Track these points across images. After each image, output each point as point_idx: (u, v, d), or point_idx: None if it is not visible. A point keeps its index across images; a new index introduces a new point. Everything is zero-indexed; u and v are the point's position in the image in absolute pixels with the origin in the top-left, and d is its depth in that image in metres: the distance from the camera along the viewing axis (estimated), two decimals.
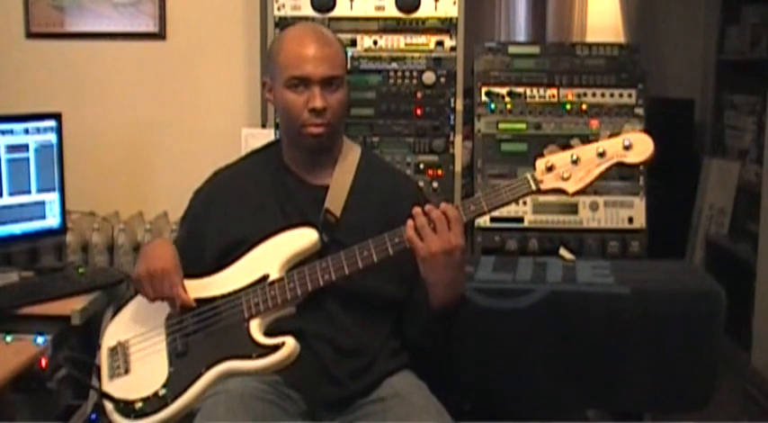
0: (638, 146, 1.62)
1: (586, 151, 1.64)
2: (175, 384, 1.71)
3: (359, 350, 1.76)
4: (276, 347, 1.67)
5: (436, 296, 1.68)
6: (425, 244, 1.62)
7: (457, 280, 1.67)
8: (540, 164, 1.64)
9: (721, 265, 3.77)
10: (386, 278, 1.77)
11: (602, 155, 1.63)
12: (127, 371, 1.80)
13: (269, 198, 1.86)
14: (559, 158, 1.64)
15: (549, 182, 1.64)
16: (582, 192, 1.65)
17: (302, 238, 1.76)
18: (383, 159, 2.14)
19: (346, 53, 1.88)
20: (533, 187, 1.64)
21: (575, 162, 1.63)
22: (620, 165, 1.64)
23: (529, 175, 1.65)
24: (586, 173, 1.63)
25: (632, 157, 1.63)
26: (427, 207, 1.64)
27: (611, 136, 1.66)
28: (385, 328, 1.81)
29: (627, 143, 1.62)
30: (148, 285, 1.76)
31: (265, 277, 1.74)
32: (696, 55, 4.56)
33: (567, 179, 1.63)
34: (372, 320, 1.79)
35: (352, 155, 1.90)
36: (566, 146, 1.69)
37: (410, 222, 1.64)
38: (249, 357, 1.67)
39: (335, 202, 1.82)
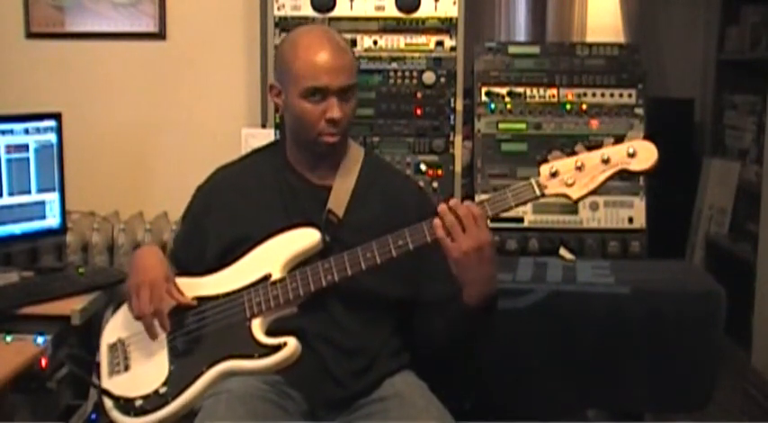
0: (643, 153, 1.63)
1: (591, 158, 1.64)
2: (176, 383, 1.71)
3: (360, 350, 1.76)
4: (278, 347, 1.66)
5: (471, 294, 1.66)
6: (457, 243, 1.61)
7: (490, 275, 1.66)
8: (545, 169, 1.65)
9: (721, 265, 3.78)
10: (388, 278, 1.77)
11: (606, 161, 1.63)
12: (127, 368, 1.80)
13: (272, 197, 1.86)
14: (564, 164, 1.64)
15: (553, 187, 1.64)
16: (585, 198, 1.66)
17: (304, 238, 1.76)
18: (387, 161, 2.14)
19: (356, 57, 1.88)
20: (537, 193, 1.64)
21: (579, 168, 1.64)
22: (624, 172, 1.64)
23: (533, 181, 1.65)
24: (590, 179, 1.64)
25: (636, 165, 1.63)
26: (452, 202, 1.63)
27: (615, 143, 1.66)
28: (386, 328, 1.81)
29: (631, 151, 1.62)
30: (135, 300, 1.75)
31: (267, 277, 1.74)
32: (696, 55, 4.56)
33: (571, 185, 1.64)
34: (374, 321, 1.79)
35: (355, 156, 1.90)
36: (570, 152, 1.67)
37: (438, 222, 1.62)
38: (251, 357, 1.67)
39: (338, 202, 1.82)
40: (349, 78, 1.77)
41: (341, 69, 1.76)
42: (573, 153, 1.66)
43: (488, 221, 1.64)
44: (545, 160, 1.67)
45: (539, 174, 1.65)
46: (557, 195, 1.65)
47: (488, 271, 1.64)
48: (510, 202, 1.64)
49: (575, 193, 1.64)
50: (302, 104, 1.77)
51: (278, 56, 1.86)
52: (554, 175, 1.64)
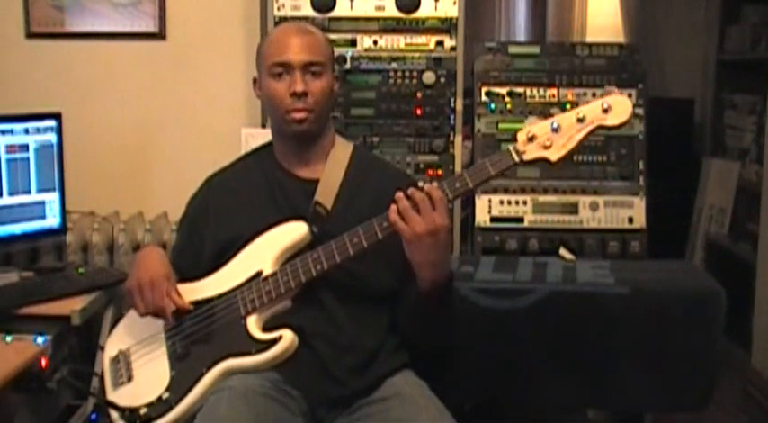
0: (617, 108, 1.62)
1: (566, 118, 1.64)
2: (178, 387, 1.72)
3: (357, 346, 1.76)
4: (274, 341, 1.68)
5: (422, 278, 1.66)
6: (410, 226, 1.61)
7: (442, 260, 1.66)
8: (522, 135, 1.64)
9: (721, 265, 3.77)
10: (382, 270, 1.78)
11: (581, 120, 1.63)
12: (130, 378, 1.81)
13: (261, 195, 1.87)
14: (540, 128, 1.64)
15: (531, 152, 1.64)
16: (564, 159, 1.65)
17: (292, 231, 1.77)
18: (376, 155, 2.16)
19: (332, 47, 1.91)
20: (516, 159, 1.64)
21: (555, 130, 1.63)
22: (600, 128, 1.64)
23: (511, 147, 1.65)
24: (568, 139, 1.63)
25: (611, 120, 1.63)
26: (410, 190, 1.64)
27: (589, 101, 1.66)
28: (383, 323, 1.81)
29: (605, 106, 1.62)
30: (138, 297, 1.76)
31: (259, 273, 1.75)
32: (696, 55, 4.55)
33: (548, 148, 1.63)
34: (370, 316, 1.80)
35: (343, 149, 1.91)
36: (546, 115, 1.67)
37: (393, 206, 1.64)
38: (249, 353, 1.68)
39: (326, 194, 1.83)
40: (312, 55, 1.81)
41: (304, 46, 1.81)
42: (550, 117, 1.66)
43: (450, 204, 1.66)
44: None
45: (515, 140, 1.64)
46: (536, 160, 1.64)
47: (440, 256, 1.65)
48: (489, 171, 1.64)
49: (553, 155, 1.63)
50: (270, 83, 1.82)
51: (257, 50, 1.92)
52: (531, 139, 1.63)
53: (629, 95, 3.01)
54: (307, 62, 1.80)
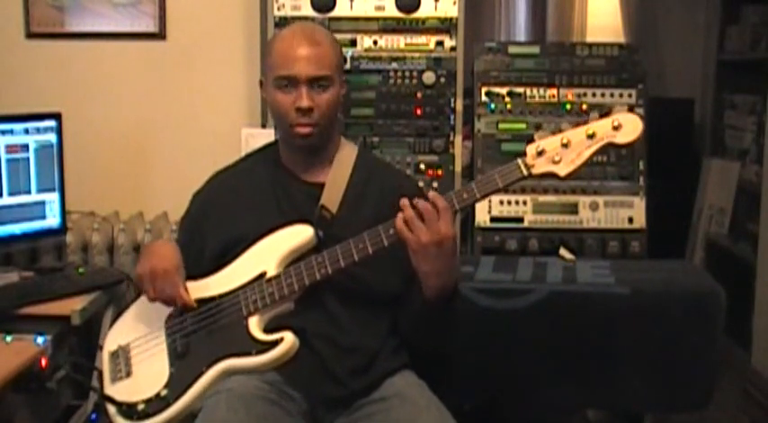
0: (627, 126, 1.63)
1: (576, 134, 1.64)
2: (177, 384, 1.72)
3: (358, 348, 1.76)
4: (275, 343, 1.67)
5: (429, 286, 1.66)
6: (415, 235, 1.61)
7: (449, 269, 1.66)
8: (531, 149, 1.65)
9: (721, 265, 3.77)
10: (386, 274, 1.78)
11: (591, 136, 1.63)
12: (128, 374, 1.80)
13: (266, 196, 1.86)
14: (550, 143, 1.64)
15: (540, 166, 1.64)
16: (573, 174, 1.66)
17: (298, 234, 1.77)
18: (382, 159, 2.14)
19: (341, 53, 1.87)
20: (525, 172, 1.64)
21: (565, 145, 1.64)
22: (610, 146, 1.64)
23: (520, 161, 1.65)
24: (577, 155, 1.64)
25: (621, 138, 1.63)
26: (415, 200, 1.63)
27: (600, 117, 1.66)
28: (384, 325, 1.81)
29: (616, 124, 1.63)
30: (150, 285, 1.77)
31: (263, 274, 1.75)
32: (696, 55, 4.55)
33: (557, 162, 1.64)
34: (372, 318, 1.79)
35: (348, 153, 1.90)
36: (557, 131, 1.67)
37: (399, 214, 1.64)
38: (249, 354, 1.68)
39: (331, 198, 1.83)
40: (319, 69, 1.77)
41: (311, 59, 1.76)
42: (559, 131, 1.67)
43: (456, 214, 1.66)
44: (532, 140, 1.68)
45: (525, 154, 1.65)
46: (544, 174, 1.65)
47: (447, 264, 1.65)
48: (498, 183, 1.64)
49: (562, 170, 1.64)
50: (275, 94, 1.80)
51: (263, 52, 1.88)
52: (540, 153, 1.64)
53: (630, 95, 3.03)
54: (313, 77, 1.77)
